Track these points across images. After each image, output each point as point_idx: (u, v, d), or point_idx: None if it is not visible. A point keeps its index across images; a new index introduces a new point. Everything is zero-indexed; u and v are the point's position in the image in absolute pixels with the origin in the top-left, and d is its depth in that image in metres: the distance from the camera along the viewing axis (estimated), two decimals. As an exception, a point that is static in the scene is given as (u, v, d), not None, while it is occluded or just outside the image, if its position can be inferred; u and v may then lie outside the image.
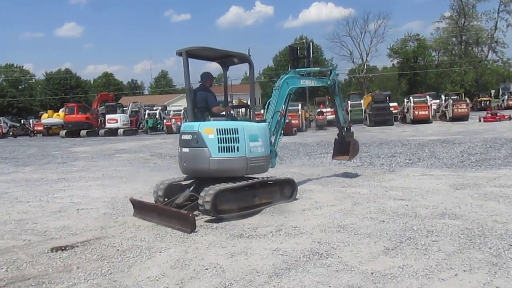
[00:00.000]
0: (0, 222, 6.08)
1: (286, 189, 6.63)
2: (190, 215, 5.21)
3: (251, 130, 6.23)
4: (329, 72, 8.60)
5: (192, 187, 6.18)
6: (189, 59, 6.14)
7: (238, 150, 5.96)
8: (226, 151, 5.87)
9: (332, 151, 9.22)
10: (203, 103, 6.45)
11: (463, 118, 28.41)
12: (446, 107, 30.28)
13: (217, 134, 5.83)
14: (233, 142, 5.92)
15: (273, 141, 7.12)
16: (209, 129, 5.86)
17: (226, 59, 6.96)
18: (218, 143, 5.83)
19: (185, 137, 6.13)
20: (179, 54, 6.07)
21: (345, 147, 8.60)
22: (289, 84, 7.39)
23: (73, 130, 33.15)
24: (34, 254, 4.59)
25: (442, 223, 5.07)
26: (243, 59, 6.93)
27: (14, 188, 9.08)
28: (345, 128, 8.72)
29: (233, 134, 5.93)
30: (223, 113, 6.68)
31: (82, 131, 32.77)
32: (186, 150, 6.08)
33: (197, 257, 4.28)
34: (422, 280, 3.48)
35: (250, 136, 6.13)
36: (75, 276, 3.91)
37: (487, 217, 5.25)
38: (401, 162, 10.59)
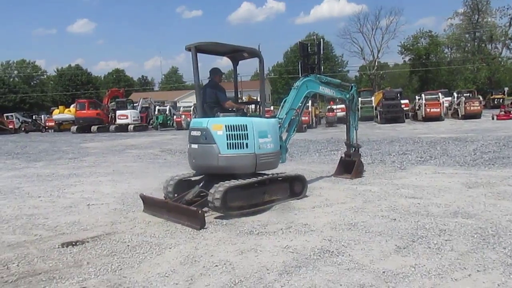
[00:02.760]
0: (11, 217, 6.13)
1: (296, 185, 6.59)
2: (200, 211, 5.20)
3: (260, 126, 6.17)
4: (350, 88, 8.57)
5: (201, 183, 6.17)
6: (201, 55, 6.12)
7: (247, 146, 5.91)
8: (235, 148, 5.83)
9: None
10: (213, 99, 6.42)
11: (475, 116, 28.03)
12: (458, 104, 29.89)
13: (226, 131, 5.79)
14: (242, 139, 5.88)
15: (284, 137, 7.09)
16: (218, 126, 5.83)
17: (235, 53, 6.91)
18: (227, 139, 5.79)
19: (194, 133, 6.10)
20: (188, 49, 6.03)
21: (349, 167, 8.45)
22: (308, 87, 7.42)
23: (84, 126, 33.38)
24: (45, 249, 4.62)
25: (455, 222, 5.00)
26: (253, 53, 6.85)
27: (26, 183, 9.16)
28: (353, 148, 8.63)
29: (242, 130, 5.89)
30: (235, 109, 6.63)
31: (92, 127, 33.00)
32: (195, 146, 6.06)
33: (206, 253, 4.27)
34: (434, 280, 3.43)
35: (259, 132, 6.08)
36: (86, 271, 3.92)
37: (501, 216, 5.17)
38: (412, 160, 10.47)
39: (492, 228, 4.69)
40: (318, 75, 7.77)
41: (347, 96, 8.42)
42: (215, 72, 6.68)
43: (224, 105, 6.42)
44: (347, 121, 8.68)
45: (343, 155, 8.92)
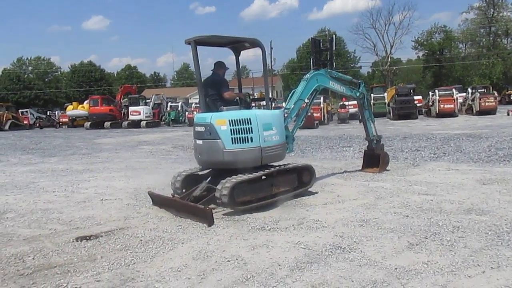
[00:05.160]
0: (27, 211, 6.23)
1: (304, 175, 6.53)
2: (208, 209, 5.20)
3: (265, 118, 6.12)
4: (358, 85, 8.43)
5: (208, 178, 6.13)
6: (206, 47, 6.07)
7: (251, 140, 5.87)
8: (240, 142, 5.78)
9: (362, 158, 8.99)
10: (215, 91, 6.35)
11: (490, 111, 27.64)
12: (472, 100, 29.51)
13: (230, 125, 5.74)
14: (246, 133, 5.83)
15: (291, 127, 7.07)
16: (221, 121, 5.78)
17: (237, 44, 6.81)
18: (231, 134, 5.74)
19: (198, 129, 6.06)
20: (188, 43, 5.96)
21: (374, 160, 8.47)
22: (318, 80, 7.38)
23: (97, 122, 33.74)
24: (59, 243, 4.69)
25: (469, 219, 4.95)
26: (254, 43, 6.66)
27: (41, 178, 9.29)
28: (374, 141, 8.58)
29: (246, 124, 5.84)
30: (237, 99, 6.55)
31: (106, 123, 33.31)
32: (200, 142, 6.03)
33: (218, 249, 4.29)
34: (447, 277, 3.40)
35: (263, 125, 6.03)
36: (99, 265, 3.98)
37: (516, 213, 5.10)
38: (425, 156, 10.37)
39: (507, 225, 4.63)
40: (329, 70, 7.70)
41: (357, 94, 8.30)
42: (219, 65, 6.61)
43: (225, 96, 6.34)
44: (362, 118, 8.61)
45: (366, 149, 8.89)
